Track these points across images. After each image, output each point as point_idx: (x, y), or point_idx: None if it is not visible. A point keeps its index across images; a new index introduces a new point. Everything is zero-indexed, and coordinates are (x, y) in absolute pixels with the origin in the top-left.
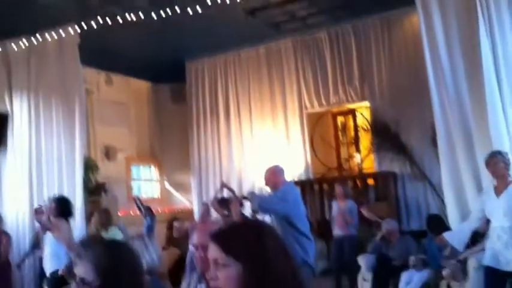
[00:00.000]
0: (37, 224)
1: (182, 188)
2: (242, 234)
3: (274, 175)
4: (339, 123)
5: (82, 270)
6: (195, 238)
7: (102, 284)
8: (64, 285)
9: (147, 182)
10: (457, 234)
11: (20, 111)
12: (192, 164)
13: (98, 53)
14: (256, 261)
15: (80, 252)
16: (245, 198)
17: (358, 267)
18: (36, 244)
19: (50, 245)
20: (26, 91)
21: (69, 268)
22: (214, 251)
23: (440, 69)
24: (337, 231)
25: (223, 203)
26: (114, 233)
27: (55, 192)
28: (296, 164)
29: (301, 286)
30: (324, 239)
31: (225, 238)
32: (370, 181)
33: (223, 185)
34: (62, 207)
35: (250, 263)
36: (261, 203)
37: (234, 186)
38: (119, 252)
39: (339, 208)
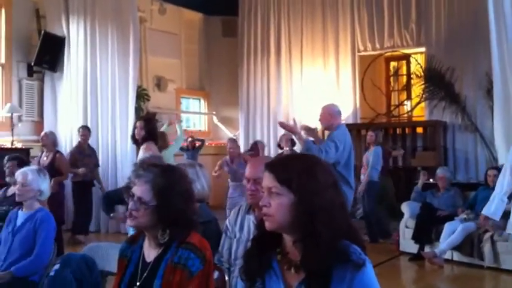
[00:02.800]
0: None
1: (229, 122)
2: (296, 166)
3: (331, 116)
4: (391, 68)
5: (139, 190)
6: (247, 171)
7: (157, 204)
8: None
9: (195, 115)
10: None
11: (76, 35)
12: (240, 100)
13: None
14: (308, 192)
15: (138, 172)
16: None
17: (402, 214)
18: None
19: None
20: (82, 16)
21: (127, 187)
22: (268, 180)
23: (503, 20)
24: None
25: None
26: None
27: (108, 117)
28: (344, 107)
29: (348, 219)
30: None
31: (280, 168)
32: (419, 129)
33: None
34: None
35: (302, 193)
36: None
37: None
38: (174, 176)
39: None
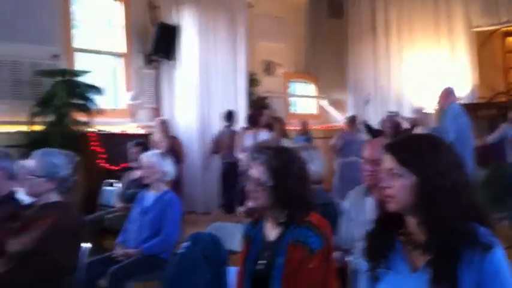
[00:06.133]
0: None
1: (337, 105)
2: (417, 147)
3: (446, 91)
4: (509, 44)
5: (256, 171)
6: (365, 152)
7: (274, 184)
8: None
9: (303, 98)
10: None
11: (187, 24)
12: (348, 82)
13: None
14: (430, 173)
15: (253, 155)
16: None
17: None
18: None
19: None
20: (193, 4)
21: (244, 171)
22: (389, 161)
23: None
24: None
25: None
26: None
27: (219, 103)
28: (460, 87)
29: (472, 199)
30: (484, 167)
31: (400, 149)
32: None
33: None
34: None
35: (424, 175)
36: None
37: (392, 107)
38: (288, 157)
39: None
